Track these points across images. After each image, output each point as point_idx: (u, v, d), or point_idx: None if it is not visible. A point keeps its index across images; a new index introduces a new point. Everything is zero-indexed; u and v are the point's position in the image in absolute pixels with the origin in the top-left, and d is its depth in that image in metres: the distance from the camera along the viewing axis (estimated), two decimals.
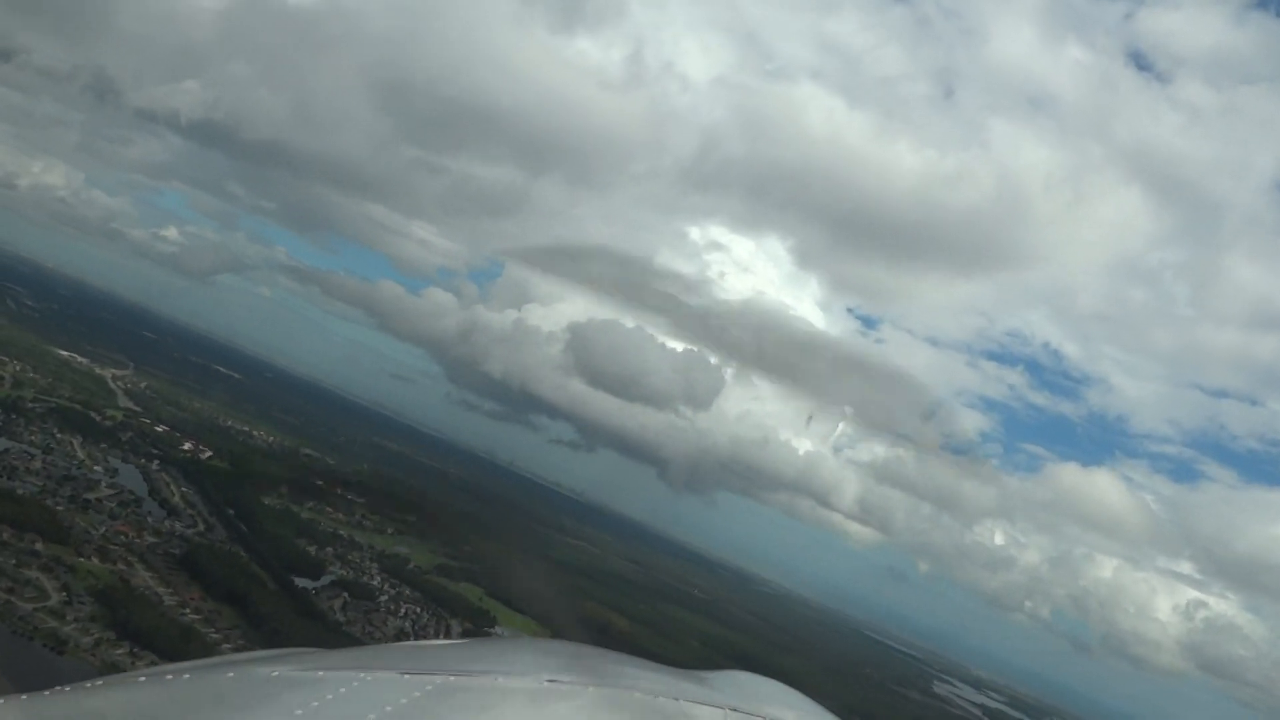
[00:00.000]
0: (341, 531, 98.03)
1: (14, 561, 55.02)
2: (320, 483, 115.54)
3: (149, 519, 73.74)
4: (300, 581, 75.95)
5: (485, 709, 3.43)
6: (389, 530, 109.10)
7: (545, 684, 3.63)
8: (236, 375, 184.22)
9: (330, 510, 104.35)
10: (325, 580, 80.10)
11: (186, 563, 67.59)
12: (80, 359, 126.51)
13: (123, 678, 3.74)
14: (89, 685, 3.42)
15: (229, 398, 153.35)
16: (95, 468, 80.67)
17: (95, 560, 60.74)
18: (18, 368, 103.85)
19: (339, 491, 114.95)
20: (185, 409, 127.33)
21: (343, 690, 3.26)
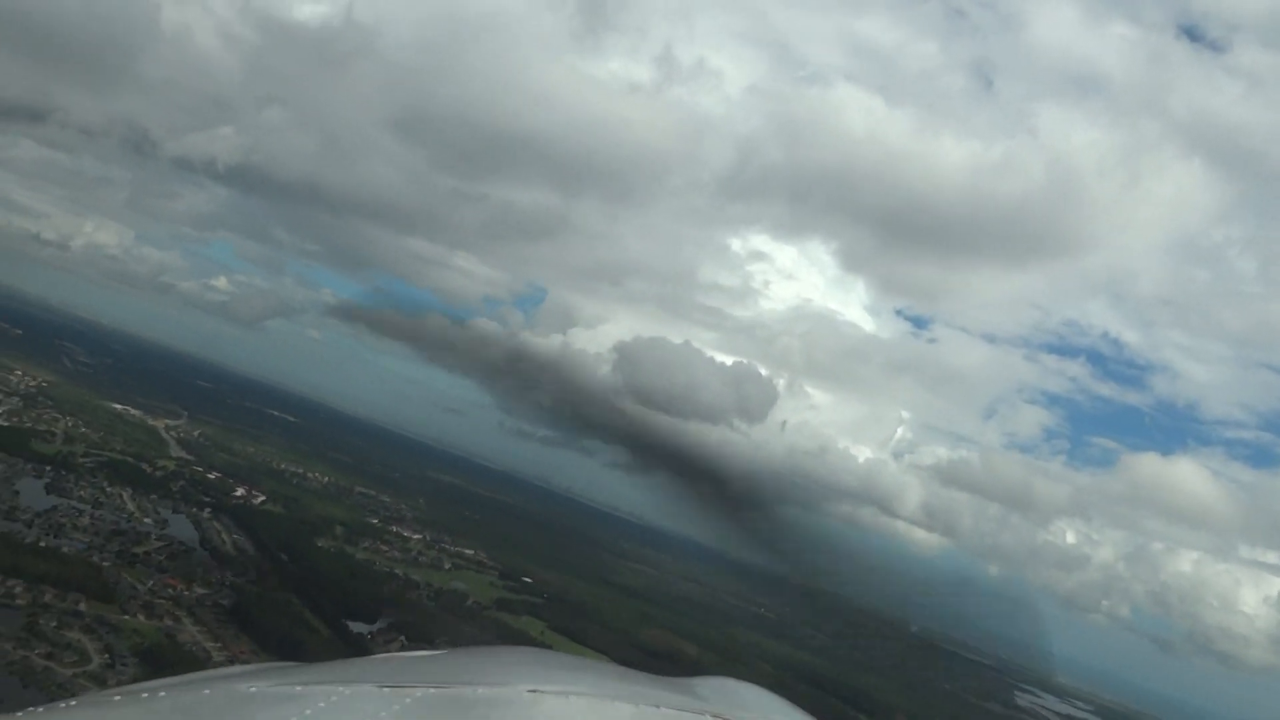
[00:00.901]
0: (397, 570, 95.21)
1: (55, 624, 52.62)
2: (375, 521, 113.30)
3: (199, 570, 71.33)
4: (355, 626, 72.92)
5: None
6: (446, 566, 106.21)
7: (526, 694, 3.48)
8: (290, 418, 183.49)
9: (385, 549, 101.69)
10: (381, 624, 77.00)
11: (236, 613, 64.96)
12: (134, 411, 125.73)
13: (97, 697, 3.62)
14: (63, 705, 3.35)
15: (283, 441, 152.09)
16: (145, 520, 78.71)
17: (141, 617, 58.25)
18: (70, 424, 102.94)
19: (394, 529, 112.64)
20: (239, 455, 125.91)
21: (321, 705, 3.13)
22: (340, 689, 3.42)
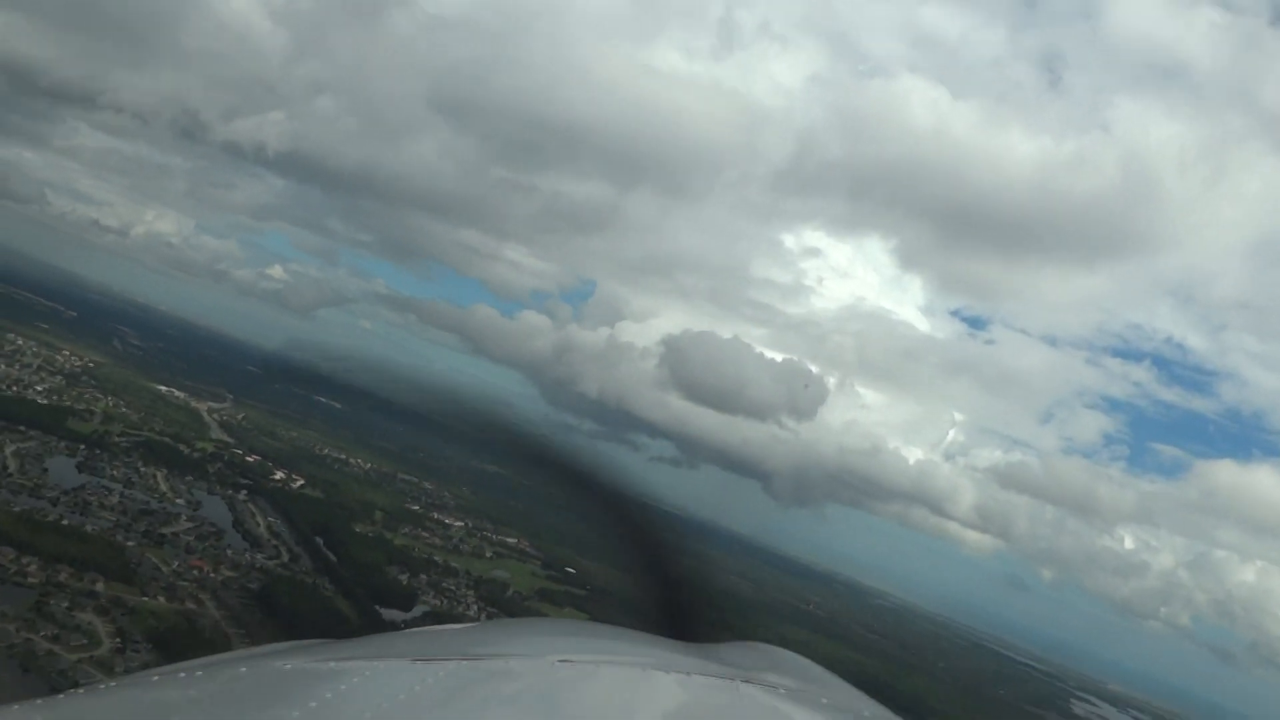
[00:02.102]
0: (437, 558, 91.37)
1: (67, 605, 49.11)
2: (416, 508, 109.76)
3: (228, 552, 67.89)
4: (388, 614, 68.96)
5: (498, 692, 3.23)
6: (488, 554, 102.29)
7: (557, 664, 3.38)
8: (336, 405, 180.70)
9: (426, 535, 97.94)
10: (417, 611, 73.08)
11: (263, 598, 61.24)
12: (178, 393, 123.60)
13: (136, 678, 3.49)
14: (102, 687, 3.27)
15: (327, 427, 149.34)
16: (177, 501, 75.48)
17: (161, 599, 54.67)
18: (110, 403, 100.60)
19: (435, 516, 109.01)
20: (281, 439, 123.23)
21: (355, 680, 3.03)
22: (374, 664, 3.24)
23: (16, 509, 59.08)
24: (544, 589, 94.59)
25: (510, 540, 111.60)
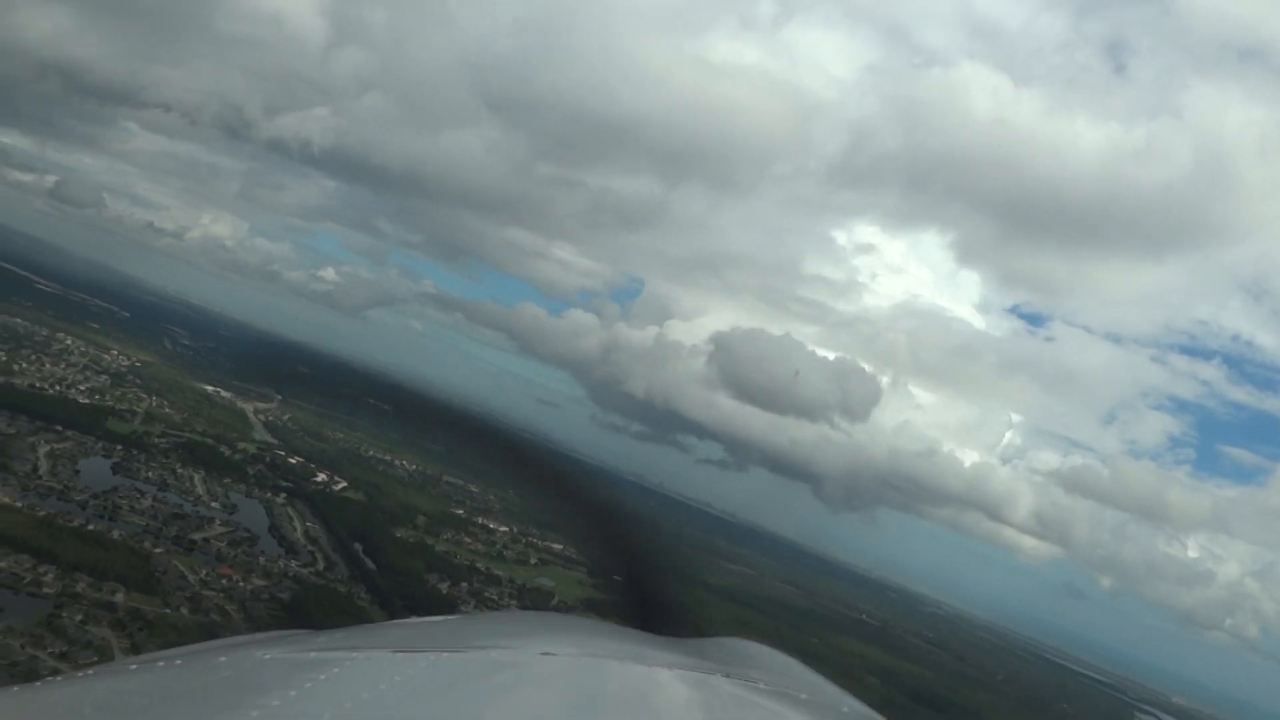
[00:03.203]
0: (479, 564, 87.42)
1: (81, 618, 45.67)
2: (460, 512, 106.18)
3: (261, 559, 64.40)
4: None
5: (479, 684, 3.18)
6: (532, 560, 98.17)
7: (539, 657, 3.39)
8: (385, 406, 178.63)
9: (469, 540, 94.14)
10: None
11: (294, 608, 57.50)
12: (224, 393, 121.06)
13: (115, 666, 3.57)
14: (80, 675, 3.17)
15: (374, 428, 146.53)
16: (212, 504, 72.36)
17: (184, 611, 51.12)
18: (154, 403, 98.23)
19: (480, 520, 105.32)
20: (327, 440, 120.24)
21: (336, 670, 3.01)
22: (354, 654, 3.22)
23: (41, 513, 56.00)
24: (590, 598, 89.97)
25: (556, 546, 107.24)
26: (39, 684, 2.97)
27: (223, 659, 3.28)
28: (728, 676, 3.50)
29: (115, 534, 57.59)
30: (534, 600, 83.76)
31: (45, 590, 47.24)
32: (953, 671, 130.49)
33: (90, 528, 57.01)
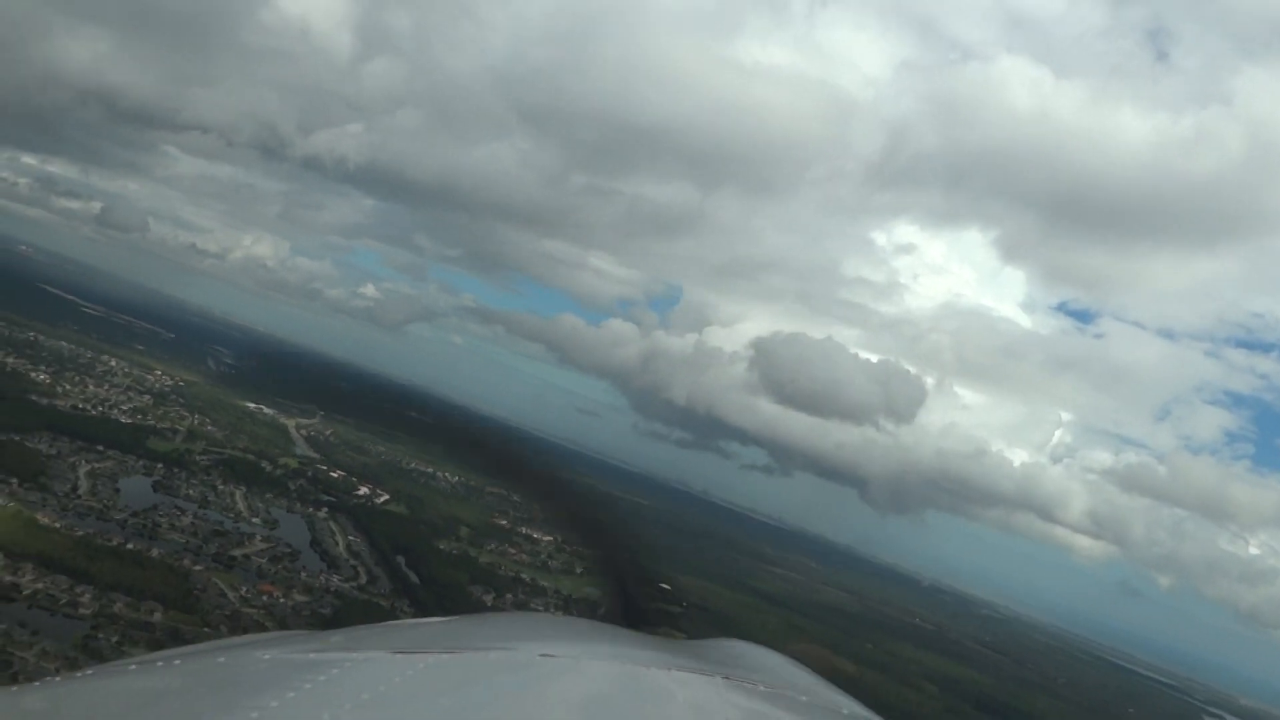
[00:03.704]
0: (524, 575, 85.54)
1: (117, 639, 44.26)
2: (504, 522, 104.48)
3: (302, 574, 62.92)
4: None
5: (478, 685, 3.21)
6: (578, 570, 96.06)
7: (538, 658, 3.41)
8: (427, 420, 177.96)
9: (513, 551, 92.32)
10: None
11: (336, 623, 55.65)
12: (266, 410, 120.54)
13: (113, 666, 3.53)
14: (79, 675, 3.19)
15: (416, 441, 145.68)
16: (253, 520, 71.15)
17: (223, 629, 49.46)
18: (195, 421, 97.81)
19: (524, 531, 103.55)
20: (369, 454, 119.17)
21: (335, 671, 3.03)
22: (353, 655, 3.26)
23: (79, 533, 54.89)
24: None
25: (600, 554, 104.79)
26: (38, 684, 2.98)
27: (221, 659, 3.27)
28: (727, 679, 3.48)
29: (154, 552, 56.37)
30: (580, 611, 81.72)
31: (82, 611, 45.96)
32: (1013, 676, 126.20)
33: (129, 547, 55.83)
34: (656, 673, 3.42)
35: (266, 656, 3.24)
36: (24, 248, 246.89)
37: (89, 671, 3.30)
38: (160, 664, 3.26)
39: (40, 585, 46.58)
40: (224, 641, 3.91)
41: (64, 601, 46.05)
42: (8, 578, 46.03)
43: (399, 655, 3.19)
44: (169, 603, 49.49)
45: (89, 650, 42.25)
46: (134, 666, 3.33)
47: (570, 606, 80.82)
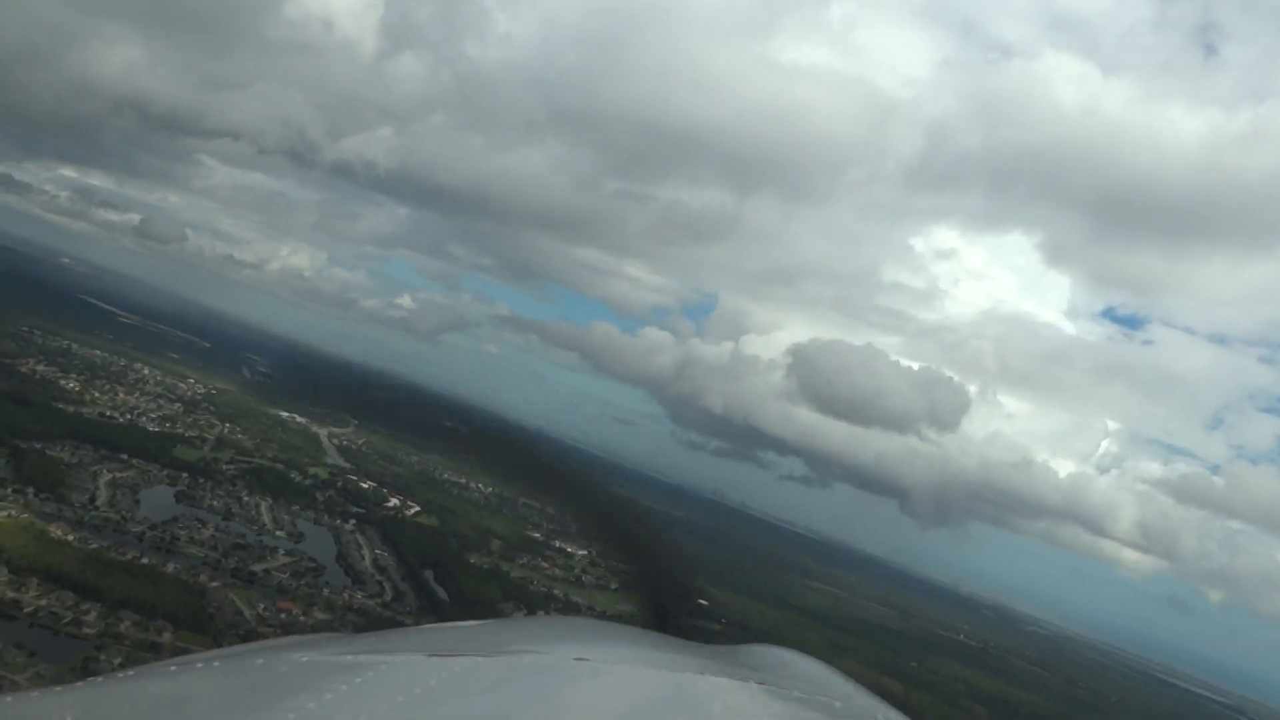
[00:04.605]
0: (557, 590, 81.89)
1: (120, 660, 41.09)
2: (537, 535, 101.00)
3: (325, 591, 59.71)
4: None
5: (512, 688, 3.21)
6: (613, 585, 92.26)
7: (572, 662, 3.42)
8: (461, 429, 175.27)
9: (545, 566, 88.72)
10: None
11: None
12: (298, 419, 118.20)
13: (153, 667, 3.58)
14: (120, 676, 3.24)
15: (449, 451, 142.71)
16: (278, 533, 68.19)
17: None
18: (225, 430, 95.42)
19: (557, 544, 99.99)
20: (401, 464, 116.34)
21: (371, 674, 3.04)
22: (390, 658, 3.28)
23: (92, 546, 52.09)
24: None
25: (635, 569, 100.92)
26: (79, 684, 2.98)
27: (260, 661, 3.29)
28: (762, 685, 3.45)
29: (170, 567, 53.44)
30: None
31: (86, 630, 42.95)
32: (1063, 695, 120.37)
33: (144, 561, 52.91)
34: (692, 677, 3.36)
35: (304, 659, 3.22)
36: (65, 259, 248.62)
37: (130, 672, 3.26)
38: (200, 665, 3.24)
39: (43, 602, 43.70)
40: (263, 644, 3.84)
41: (67, 620, 43.09)
42: (9, 594, 43.18)
43: (434, 658, 3.16)
44: (180, 621, 46.38)
45: (88, 673, 38.99)
46: (174, 668, 3.31)
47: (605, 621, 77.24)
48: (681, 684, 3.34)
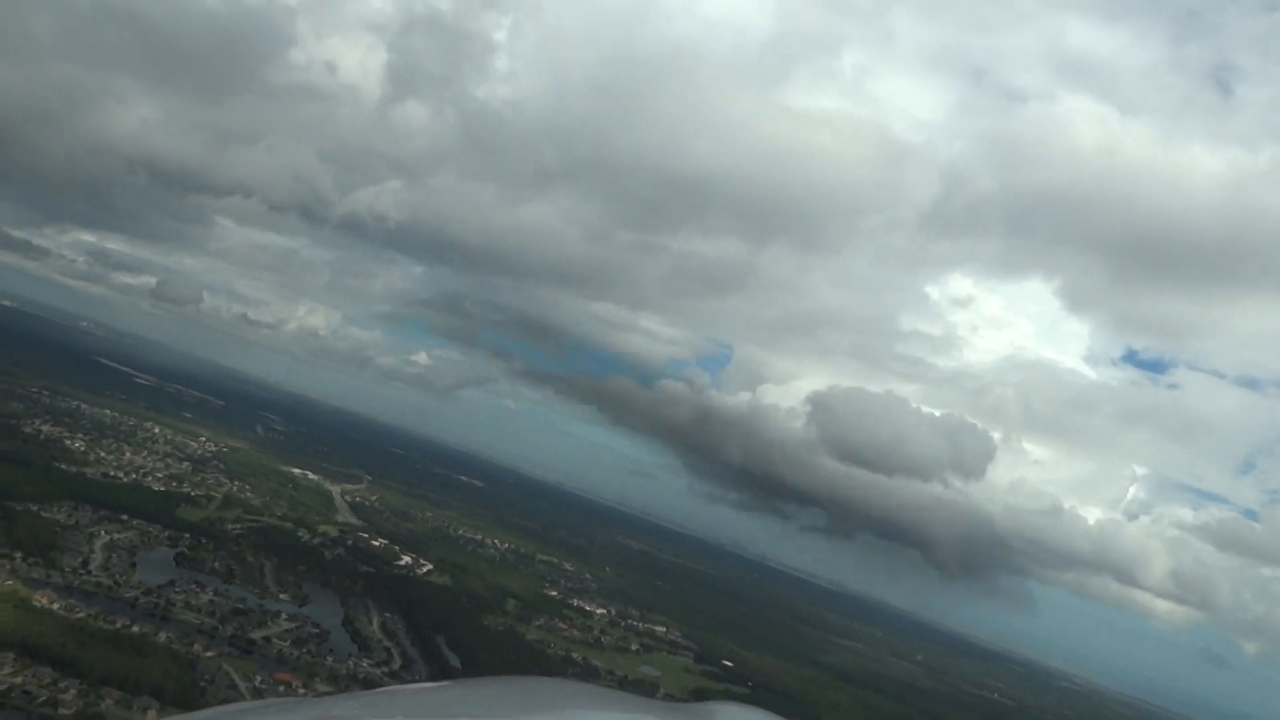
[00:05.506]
0: (575, 654, 76.91)
1: None
2: (554, 593, 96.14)
3: (328, 659, 55.27)
4: None
5: None
6: (634, 647, 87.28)
7: None
8: (478, 483, 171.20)
9: (563, 627, 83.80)
10: None
11: None
12: (311, 476, 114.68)
13: None
14: None
15: (466, 506, 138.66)
16: (281, 596, 63.93)
17: None
18: (234, 488, 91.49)
19: (575, 603, 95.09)
20: (415, 520, 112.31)
21: None
22: None
23: (78, 614, 48.04)
24: (700, 688, 78.63)
25: (658, 629, 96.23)
26: None
27: None
28: None
29: (162, 636, 49.24)
30: (638, 694, 72.97)
31: (62, 711, 38.69)
32: None
33: (134, 629, 48.82)
34: None
35: None
36: (84, 323, 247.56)
37: None
38: None
39: (18, 680, 39.55)
40: (221, 709, 3.57)
41: (42, 700, 38.87)
42: None
43: None
44: (167, 697, 42.12)
45: None
46: None
47: (626, 688, 72.14)
48: None
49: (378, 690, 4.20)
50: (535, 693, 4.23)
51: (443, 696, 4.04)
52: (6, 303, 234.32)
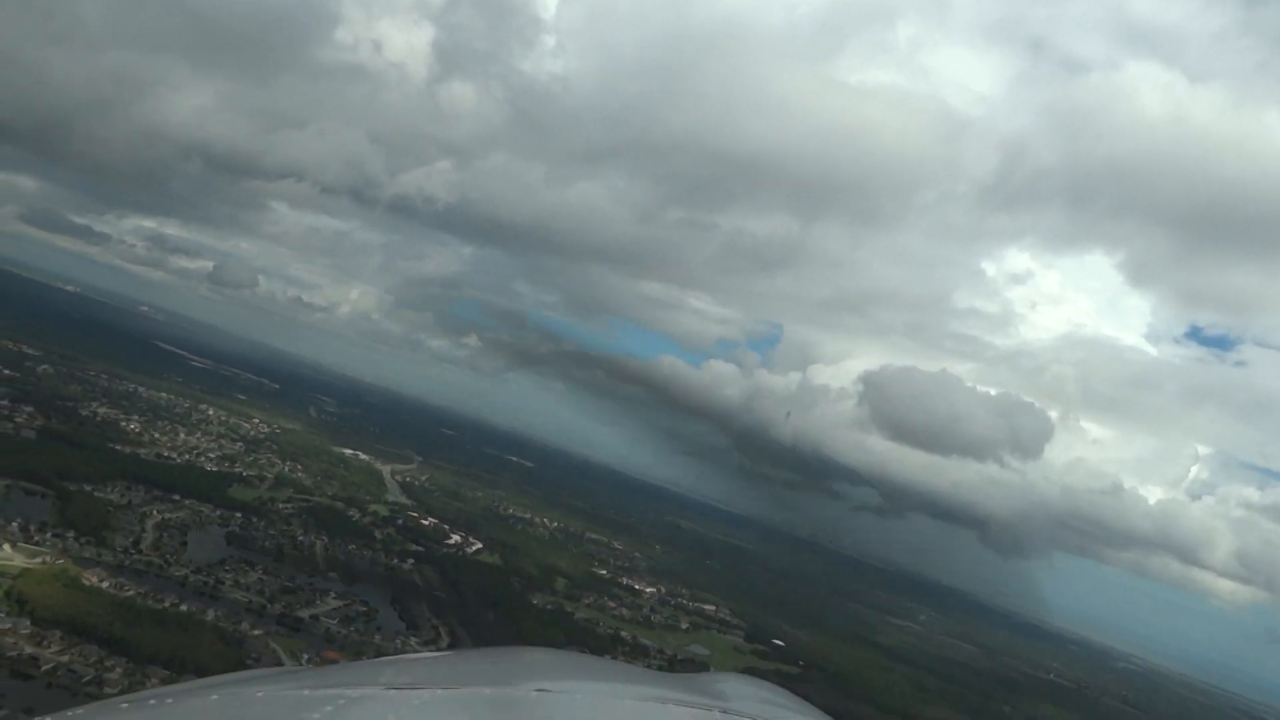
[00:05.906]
0: (624, 632, 75.86)
1: None
2: (603, 572, 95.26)
3: (376, 636, 54.73)
4: None
5: None
6: (683, 625, 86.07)
7: (533, 694, 3.28)
8: (528, 463, 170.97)
9: (612, 605, 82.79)
10: None
11: None
12: (362, 456, 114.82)
13: (106, 704, 3.29)
14: (70, 714, 3.06)
15: (515, 486, 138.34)
16: (330, 574, 63.63)
17: None
18: (285, 468, 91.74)
19: (624, 581, 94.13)
20: (465, 500, 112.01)
21: (329, 709, 2.95)
22: (348, 692, 3.14)
23: (127, 593, 47.84)
24: (750, 666, 77.19)
25: (708, 607, 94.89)
26: None
27: (215, 696, 3.17)
28: (725, 713, 3.44)
29: (210, 615, 48.94)
30: (686, 673, 71.81)
31: (107, 691, 38.26)
32: None
33: (182, 608, 48.53)
34: (654, 706, 3.35)
35: (260, 694, 3.10)
36: (144, 307, 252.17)
37: (79, 710, 3.03)
38: (153, 701, 3.07)
39: (65, 658, 39.34)
40: (218, 678, 3.48)
41: (88, 679, 38.59)
42: (28, 649, 38.89)
43: (393, 691, 3.05)
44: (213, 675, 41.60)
45: None
46: (126, 705, 3.06)
47: (675, 667, 70.88)
48: (643, 713, 3.27)
49: (376, 660, 3.98)
50: (531, 663, 4.05)
51: (431, 666, 3.89)
52: (70, 288, 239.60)
